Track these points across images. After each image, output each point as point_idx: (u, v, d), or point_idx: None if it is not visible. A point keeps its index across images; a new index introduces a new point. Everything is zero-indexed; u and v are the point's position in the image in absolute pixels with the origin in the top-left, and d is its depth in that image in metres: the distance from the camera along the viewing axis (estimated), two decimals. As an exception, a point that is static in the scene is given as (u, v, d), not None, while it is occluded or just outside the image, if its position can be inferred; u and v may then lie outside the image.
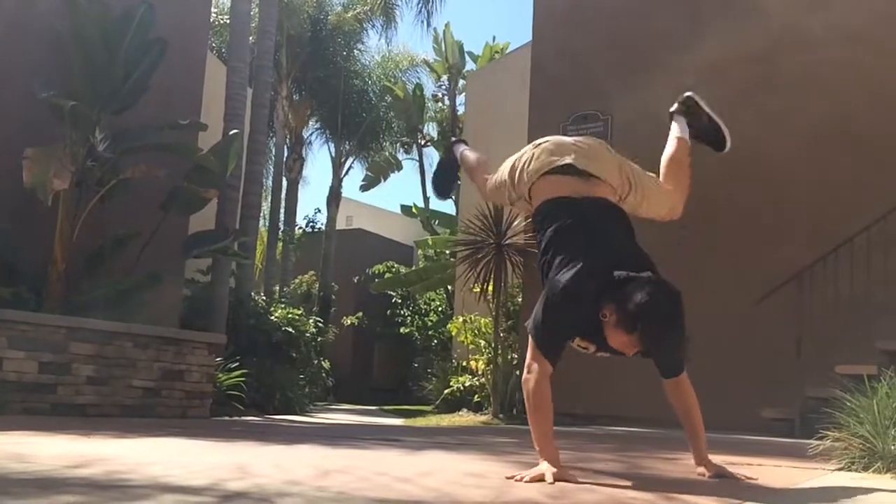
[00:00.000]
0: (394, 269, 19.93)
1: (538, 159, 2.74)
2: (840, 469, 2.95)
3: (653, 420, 7.57)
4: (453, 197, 13.43)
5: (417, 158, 21.76)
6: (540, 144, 2.80)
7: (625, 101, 9.18)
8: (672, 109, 3.10)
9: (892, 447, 2.82)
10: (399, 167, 22.72)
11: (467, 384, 10.20)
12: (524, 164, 2.77)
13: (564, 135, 9.46)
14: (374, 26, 19.13)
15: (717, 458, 2.69)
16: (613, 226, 2.62)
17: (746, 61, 8.42)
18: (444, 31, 20.70)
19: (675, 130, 3.06)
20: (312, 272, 18.75)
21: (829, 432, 3.05)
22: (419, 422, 9.16)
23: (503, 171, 2.91)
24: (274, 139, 17.74)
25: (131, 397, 6.15)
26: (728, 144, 3.16)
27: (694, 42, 8.87)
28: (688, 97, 3.10)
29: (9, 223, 6.51)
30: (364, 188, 22.59)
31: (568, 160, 2.66)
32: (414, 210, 18.99)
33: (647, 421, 7.58)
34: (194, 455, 2.98)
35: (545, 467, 2.31)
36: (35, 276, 6.47)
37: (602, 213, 2.62)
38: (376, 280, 18.86)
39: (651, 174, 2.94)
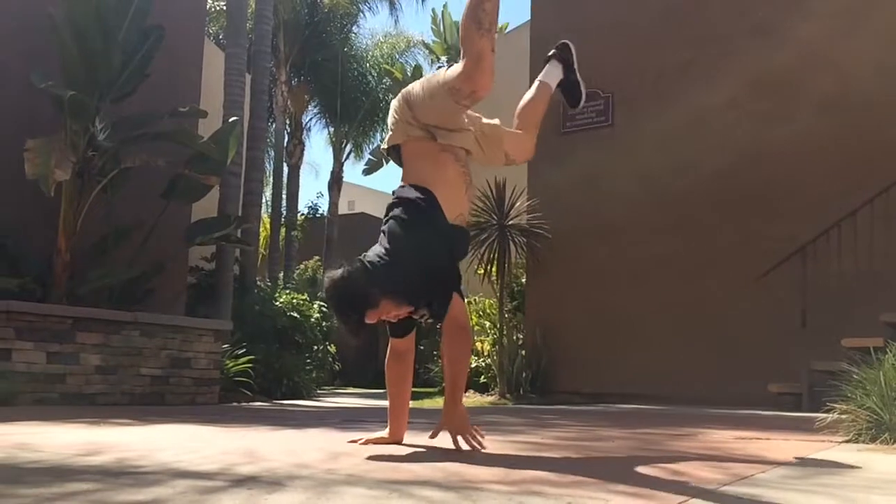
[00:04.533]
0: (397, 253, 19.82)
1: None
2: (847, 441, 2.96)
3: (659, 397, 7.61)
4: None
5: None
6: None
7: (625, 79, 9.14)
8: (549, 53, 3.10)
9: (900, 418, 2.83)
10: (400, 150, 22.63)
11: (473, 365, 10.23)
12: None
13: (565, 114, 9.44)
14: (370, 8, 19.02)
15: (726, 434, 2.69)
16: None
17: (748, 35, 8.36)
18: (442, 11, 20.57)
19: (541, 74, 3.06)
20: (317, 257, 18.72)
21: (836, 405, 3.06)
22: (426, 404, 9.19)
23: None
24: (274, 125, 17.67)
25: (139, 385, 6.19)
26: (581, 104, 3.15)
27: (694, 16, 8.81)
28: (563, 43, 3.07)
29: (12, 215, 6.52)
30: (367, 172, 22.54)
31: None
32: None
33: (654, 398, 7.62)
34: (204, 441, 3.00)
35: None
36: (40, 268, 6.48)
37: None
38: (380, 264, 18.77)
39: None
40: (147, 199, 7.19)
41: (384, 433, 2.79)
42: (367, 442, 2.74)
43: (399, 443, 2.76)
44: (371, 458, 2.34)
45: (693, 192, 8.29)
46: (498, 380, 8.92)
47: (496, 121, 2.93)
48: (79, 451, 2.47)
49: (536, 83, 3.04)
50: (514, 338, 9.50)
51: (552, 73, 3.04)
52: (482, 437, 2.62)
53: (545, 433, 3.62)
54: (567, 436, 3.49)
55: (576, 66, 3.06)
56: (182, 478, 1.87)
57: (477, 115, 2.87)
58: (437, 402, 9.17)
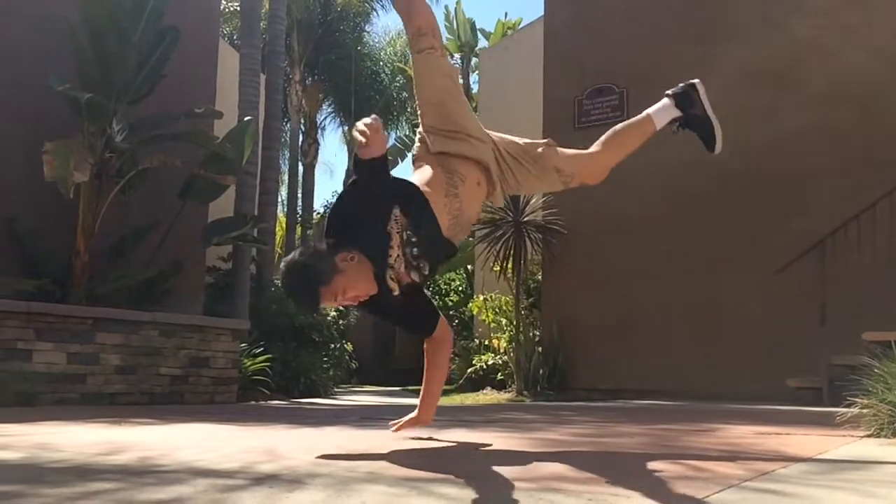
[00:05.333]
0: (413, 251, 19.85)
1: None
2: (869, 436, 2.93)
3: (677, 393, 7.57)
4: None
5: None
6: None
7: (640, 74, 9.08)
8: (669, 91, 2.99)
9: (922, 413, 2.80)
10: (415, 148, 22.66)
11: (490, 362, 10.23)
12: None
13: (580, 109, 9.41)
14: (382, 6, 19.05)
15: (745, 429, 2.67)
16: None
17: (763, 29, 8.29)
18: (455, 8, 20.59)
19: (653, 107, 2.98)
20: (332, 256, 18.80)
21: (856, 400, 3.03)
22: (443, 401, 9.18)
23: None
24: (288, 124, 17.75)
25: (159, 385, 6.24)
26: (718, 147, 3.02)
27: (708, 10, 8.74)
28: (691, 83, 2.99)
29: (31, 217, 6.59)
30: (380, 171, 22.63)
31: None
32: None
33: (671, 394, 7.58)
34: (224, 440, 3.01)
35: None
36: (59, 269, 6.54)
37: None
38: (396, 262, 18.81)
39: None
40: (164, 199, 7.24)
41: (414, 414, 2.82)
42: (398, 428, 2.81)
43: (426, 424, 2.83)
44: (390, 455, 2.34)
45: (708, 188, 8.22)
46: (515, 377, 8.91)
47: (546, 141, 2.84)
48: (100, 450, 2.50)
49: (643, 113, 2.97)
50: (531, 334, 9.48)
51: (661, 109, 2.96)
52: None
53: (563, 430, 3.61)
54: (585, 432, 3.49)
55: (705, 104, 2.95)
56: (203, 476, 1.88)
57: (514, 137, 2.81)
58: (454, 399, 9.19)
